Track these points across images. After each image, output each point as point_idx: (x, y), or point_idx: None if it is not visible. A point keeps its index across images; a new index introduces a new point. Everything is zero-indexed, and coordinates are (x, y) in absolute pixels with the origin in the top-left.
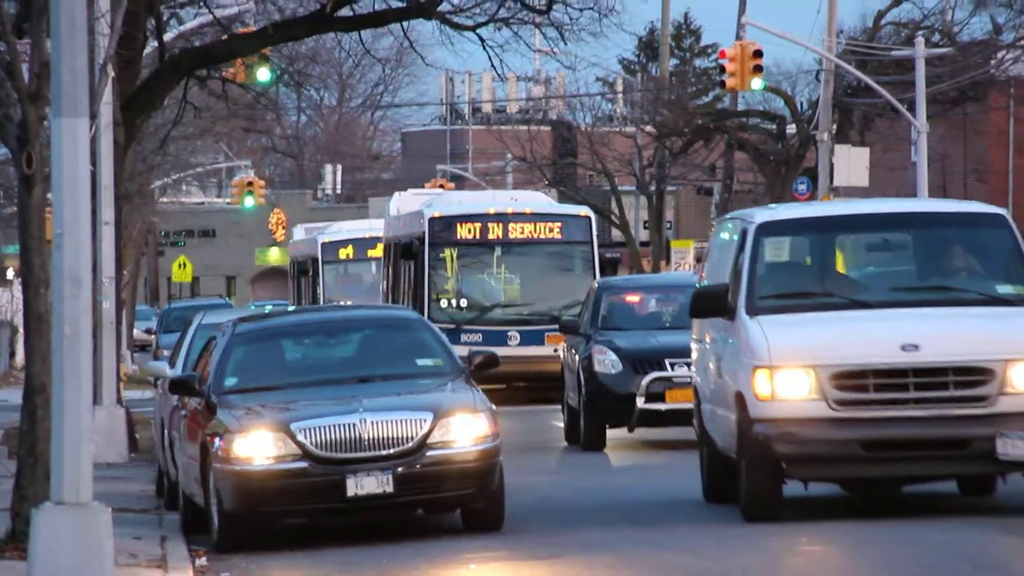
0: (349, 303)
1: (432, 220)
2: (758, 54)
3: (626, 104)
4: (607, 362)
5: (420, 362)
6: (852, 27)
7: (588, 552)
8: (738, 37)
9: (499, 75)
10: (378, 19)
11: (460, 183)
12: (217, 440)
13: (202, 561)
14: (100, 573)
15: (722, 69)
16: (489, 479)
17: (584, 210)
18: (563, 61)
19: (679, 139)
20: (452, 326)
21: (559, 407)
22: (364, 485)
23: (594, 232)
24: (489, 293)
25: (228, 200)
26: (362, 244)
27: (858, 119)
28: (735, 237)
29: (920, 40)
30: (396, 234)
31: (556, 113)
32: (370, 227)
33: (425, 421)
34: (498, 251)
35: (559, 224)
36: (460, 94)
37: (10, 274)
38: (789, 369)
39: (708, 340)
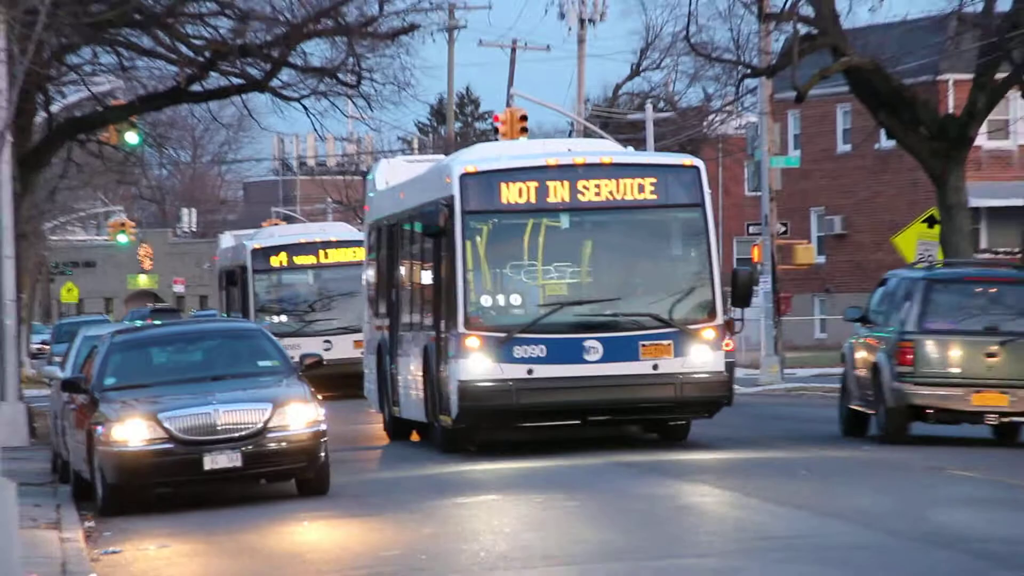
0: (283, 319)
1: (466, 178)
2: (524, 118)
3: None
4: None
5: (261, 363)
6: (597, 96)
7: (399, 511)
8: (508, 104)
9: (320, 136)
10: (223, 93)
11: (292, 223)
12: (100, 428)
13: (90, 523)
14: (7, 533)
15: (496, 130)
16: (317, 455)
17: (689, 159)
18: (370, 124)
19: None
20: (502, 335)
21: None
22: (218, 461)
23: (705, 190)
24: (554, 285)
25: (105, 237)
26: (298, 250)
27: None
28: None
29: (649, 106)
30: (394, 211)
31: (366, 166)
32: (305, 231)
33: (266, 410)
34: (565, 221)
35: (654, 179)
36: (289, 151)
37: None
38: None
39: None
